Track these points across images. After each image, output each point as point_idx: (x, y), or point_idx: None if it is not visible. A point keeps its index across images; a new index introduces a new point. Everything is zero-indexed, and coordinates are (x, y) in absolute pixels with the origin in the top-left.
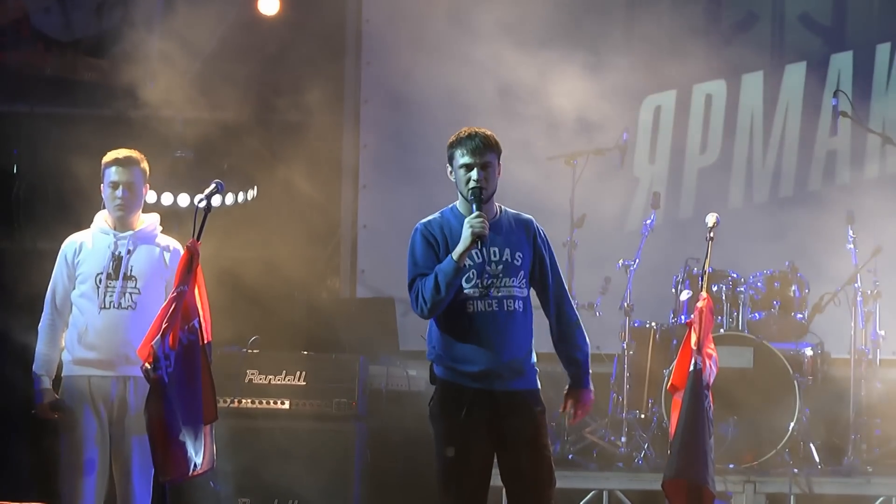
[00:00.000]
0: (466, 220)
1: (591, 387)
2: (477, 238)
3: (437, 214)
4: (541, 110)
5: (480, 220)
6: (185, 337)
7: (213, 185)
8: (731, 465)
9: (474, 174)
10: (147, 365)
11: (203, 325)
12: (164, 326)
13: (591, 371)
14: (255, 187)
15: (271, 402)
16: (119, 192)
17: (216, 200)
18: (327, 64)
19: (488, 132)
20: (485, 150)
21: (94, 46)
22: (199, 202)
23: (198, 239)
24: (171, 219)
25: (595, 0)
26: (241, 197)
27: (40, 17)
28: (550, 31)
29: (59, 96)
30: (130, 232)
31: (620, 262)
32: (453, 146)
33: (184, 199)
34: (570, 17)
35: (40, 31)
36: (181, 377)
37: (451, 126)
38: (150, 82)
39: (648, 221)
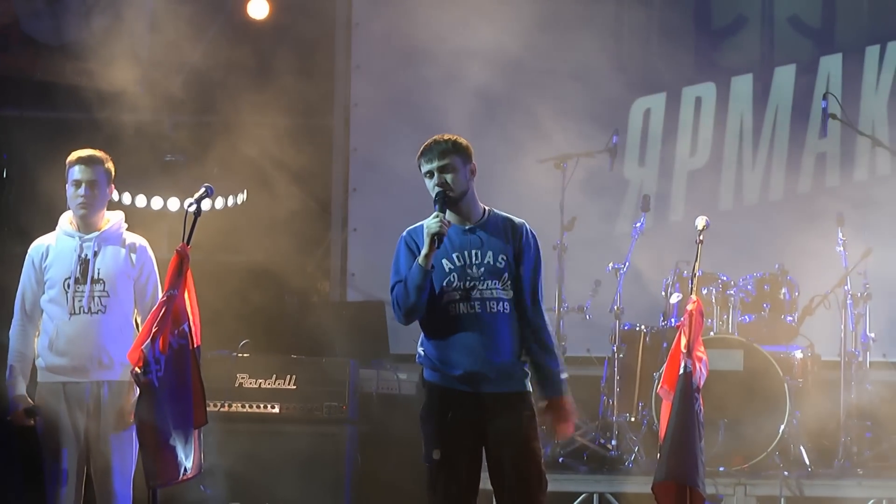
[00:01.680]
0: (425, 221)
1: (568, 391)
2: (434, 237)
3: (424, 221)
4: (530, 113)
5: (437, 219)
6: (174, 341)
7: (202, 189)
8: (722, 468)
9: (436, 179)
10: (137, 369)
11: (193, 329)
12: (154, 330)
13: (567, 376)
14: (245, 191)
15: (261, 405)
16: (81, 191)
17: (206, 204)
18: (317, 68)
19: (448, 137)
20: (443, 154)
21: (84, 51)
22: (188, 206)
23: (188, 243)
24: (161, 222)
25: (584, 3)
26: (230, 201)
27: (29, 21)
28: (540, 34)
29: (48, 101)
30: (96, 233)
31: (610, 265)
32: (418, 158)
33: (174, 203)
34: (559, 20)
35: (29, 36)
36: (171, 381)
37: (440, 130)
38: (139, 86)
39: (638, 224)
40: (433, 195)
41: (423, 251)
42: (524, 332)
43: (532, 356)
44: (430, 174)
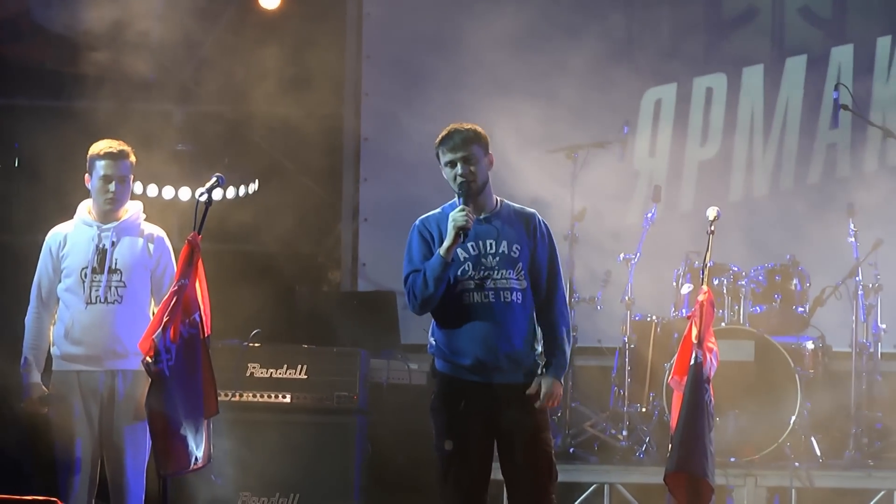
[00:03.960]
0: (450, 213)
1: (561, 382)
2: (459, 231)
3: (437, 210)
4: (541, 103)
5: (463, 213)
6: (185, 330)
7: (213, 179)
8: (733, 459)
9: (459, 169)
10: (148, 358)
11: (204, 318)
12: (165, 320)
13: (567, 369)
14: (256, 181)
15: (272, 395)
16: (112, 186)
17: (217, 194)
18: (328, 57)
19: (468, 126)
20: (465, 144)
21: (95, 40)
22: (199, 196)
23: (199, 232)
24: (172, 212)
25: None
26: (242, 190)
27: (41, 10)
28: (551, 24)
29: (59, 90)
30: (114, 223)
31: (621, 255)
32: (437, 146)
33: (185, 193)
34: (570, 10)
35: (41, 25)
36: (182, 371)
37: (451, 119)
38: (150, 76)
39: (649, 215)
40: (454, 185)
41: (446, 243)
42: (541, 323)
43: (549, 340)
44: (452, 164)
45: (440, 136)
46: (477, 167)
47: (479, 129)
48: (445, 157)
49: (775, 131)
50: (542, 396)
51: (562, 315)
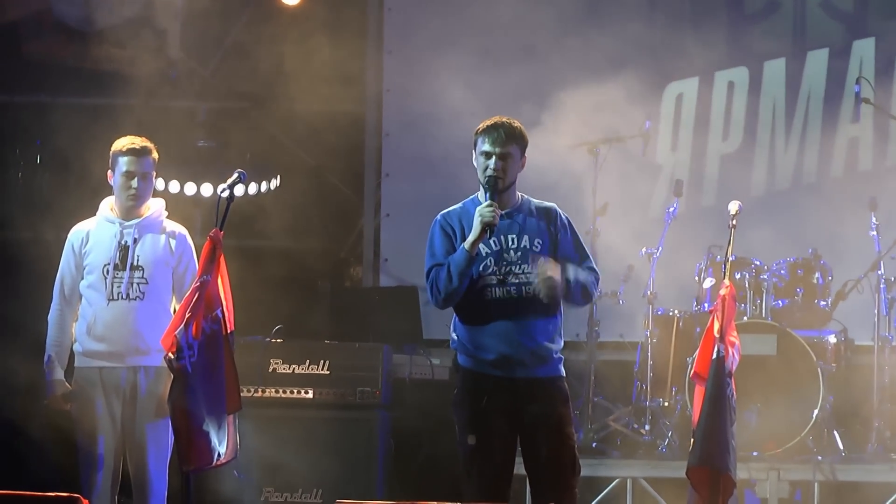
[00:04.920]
0: (477, 209)
1: (562, 274)
2: (486, 226)
3: (458, 205)
4: (563, 98)
5: (490, 209)
6: (208, 326)
7: (235, 175)
8: (755, 453)
9: (492, 163)
10: (170, 354)
11: (226, 314)
12: (187, 316)
13: (577, 285)
14: (278, 177)
15: (295, 391)
16: (135, 183)
17: (239, 190)
18: (349, 53)
19: (515, 123)
20: (507, 140)
21: (116, 36)
22: (221, 192)
23: (221, 228)
24: (194, 208)
25: None
26: (263, 186)
27: (62, 7)
28: (572, 19)
29: (81, 87)
30: (136, 220)
31: (643, 249)
32: (478, 133)
33: (207, 189)
34: (591, 5)
35: (62, 22)
36: (205, 367)
37: (473, 114)
38: (171, 72)
39: (671, 209)
40: (482, 176)
41: (472, 238)
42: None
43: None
44: (488, 155)
45: (484, 125)
46: (511, 166)
47: (523, 128)
48: (483, 147)
49: (797, 125)
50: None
51: (591, 272)
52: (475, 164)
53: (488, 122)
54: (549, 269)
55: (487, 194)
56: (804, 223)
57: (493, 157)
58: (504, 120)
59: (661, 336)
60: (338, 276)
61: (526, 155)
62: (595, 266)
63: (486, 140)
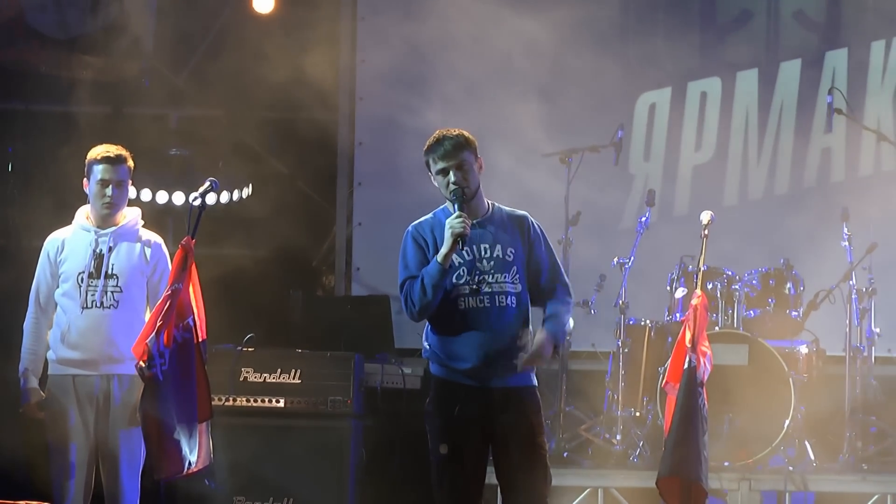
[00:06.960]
0: (447, 221)
1: (554, 344)
2: (458, 238)
3: (429, 215)
4: (536, 107)
5: (460, 220)
6: (179, 335)
7: (207, 183)
8: (727, 463)
9: (451, 176)
10: (142, 363)
11: (198, 323)
12: (158, 324)
13: (564, 338)
14: (250, 185)
15: (266, 400)
16: (109, 191)
17: (211, 198)
18: (322, 61)
19: (456, 132)
20: (455, 151)
21: (89, 44)
22: (193, 200)
23: (192, 237)
24: (166, 217)
25: None
26: (235, 195)
27: (35, 14)
28: (545, 28)
29: (53, 94)
30: (112, 228)
31: (615, 259)
32: (426, 154)
33: (178, 198)
34: (564, 15)
35: (35, 29)
36: (176, 375)
37: (446, 123)
38: (144, 80)
39: (643, 219)
40: (447, 193)
41: (444, 250)
42: (545, 305)
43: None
44: (444, 172)
45: (428, 144)
46: (469, 173)
47: (468, 133)
48: (437, 166)
49: (770, 135)
50: (529, 353)
51: (565, 302)
52: (436, 185)
53: (431, 141)
54: (543, 358)
55: (456, 206)
56: (776, 233)
57: (450, 171)
58: (444, 133)
59: (632, 346)
60: (310, 284)
61: (480, 156)
62: (566, 279)
63: (436, 157)
